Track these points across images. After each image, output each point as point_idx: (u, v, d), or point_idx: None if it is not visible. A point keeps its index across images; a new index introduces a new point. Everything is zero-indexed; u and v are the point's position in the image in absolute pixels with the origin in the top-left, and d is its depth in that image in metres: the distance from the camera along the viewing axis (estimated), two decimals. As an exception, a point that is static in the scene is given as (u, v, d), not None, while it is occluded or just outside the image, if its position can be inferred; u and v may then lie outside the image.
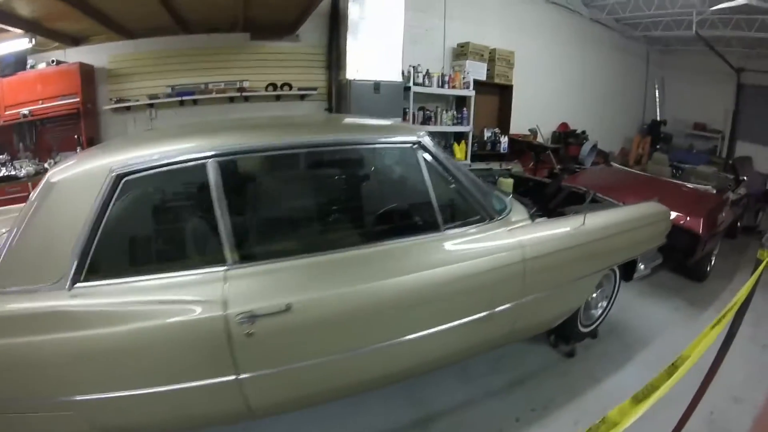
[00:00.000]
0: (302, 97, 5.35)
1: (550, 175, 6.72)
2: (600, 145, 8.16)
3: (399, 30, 5.10)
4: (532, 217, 2.37)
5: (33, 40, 4.16)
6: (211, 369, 1.59)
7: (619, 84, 8.94)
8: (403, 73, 5.34)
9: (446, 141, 6.01)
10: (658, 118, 9.35)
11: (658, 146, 8.38)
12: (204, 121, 3.63)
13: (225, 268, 1.62)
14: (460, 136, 6.02)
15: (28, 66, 4.63)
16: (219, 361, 1.57)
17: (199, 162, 1.64)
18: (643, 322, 3.71)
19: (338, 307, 1.72)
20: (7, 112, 4.50)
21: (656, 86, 9.45)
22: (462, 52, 6.03)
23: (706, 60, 8.25)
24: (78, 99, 4.61)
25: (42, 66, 4.64)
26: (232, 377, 1.60)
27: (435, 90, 5.58)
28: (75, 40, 4.77)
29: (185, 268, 1.64)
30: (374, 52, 5.02)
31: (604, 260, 2.68)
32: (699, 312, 3.97)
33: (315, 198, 2.45)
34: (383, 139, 2.09)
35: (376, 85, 5.03)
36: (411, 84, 5.34)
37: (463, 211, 2.12)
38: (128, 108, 4.96)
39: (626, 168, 5.68)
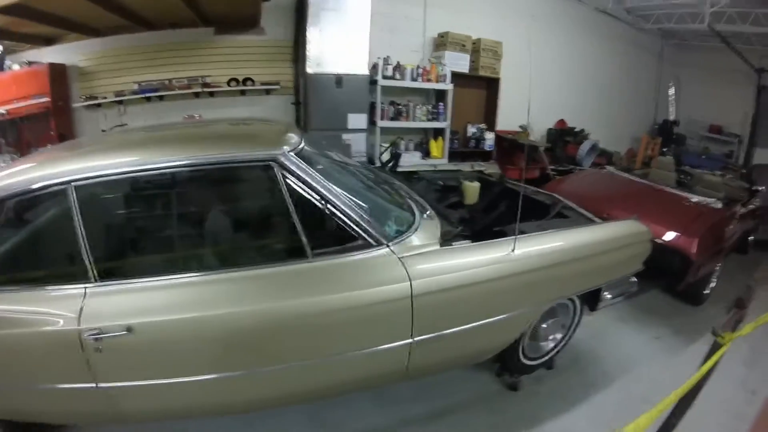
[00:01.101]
0: (267, 92, 5.26)
1: (541, 177, 6.28)
2: (605, 145, 7.61)
3: (365, 20, 4.89)
4: (445, 241, 2.08)
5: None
6: (74, 375, 1.70)
7: (629, 80, 8.28)
8: (376, 65, 5.14)
9: (423, 138, 5.73)
10: (672, 118, 8.57)
11: (665, 149, 7.68)
12: (114, 135, 3.41)
13: (85, 285, 1.69)
14: (440, 133, 5.71)
15: (6, 67, 4.87)
16: (79, 369, 1.67)
17: (61, 187, 1.71)
18: (614, 352, 3.27)
19: (183, 332, 1.70)
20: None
21: (671, 84, 8.67)
22: (442, 42, 5.70)
23: (725, 58, 7.51)
24: (48, 99, 4.77)
25: (16, 67, 4.85)
26: (92, 385, 1.70)
27: (407, 83, 5.31)
28: (48, 41, 4.93)
29: (54, 282, 1.73)
30: (337, 44, 4.83)
31: (542, 294, 2.33)
32: (683, 344, 3.48)
33: (170, 221, 2.40)
34: (231, 159, 1.84)
35: (338, 79, 4.84)
36: (379, 77, 5.09)
37: (340, 236, 1.87)
38: (99, 105, 5.06)
39: (622, 173, 5.17)
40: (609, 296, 2.73)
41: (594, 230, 2.63)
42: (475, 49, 5.88)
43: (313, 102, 4.89)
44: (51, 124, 4.83)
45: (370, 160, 5.06)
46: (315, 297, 1.77)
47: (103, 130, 5.06)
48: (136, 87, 5.04)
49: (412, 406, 2.54)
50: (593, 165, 6.88)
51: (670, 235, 3.57)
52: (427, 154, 5.63)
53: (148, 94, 5.02)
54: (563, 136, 7.22)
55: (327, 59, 4.85)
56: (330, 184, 1.86)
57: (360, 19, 4.88)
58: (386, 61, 5.18)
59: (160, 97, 5.09)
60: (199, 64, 5.10)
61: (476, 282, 1.99)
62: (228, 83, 5.10)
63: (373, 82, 5.13)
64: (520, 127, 6.55)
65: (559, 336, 2.88)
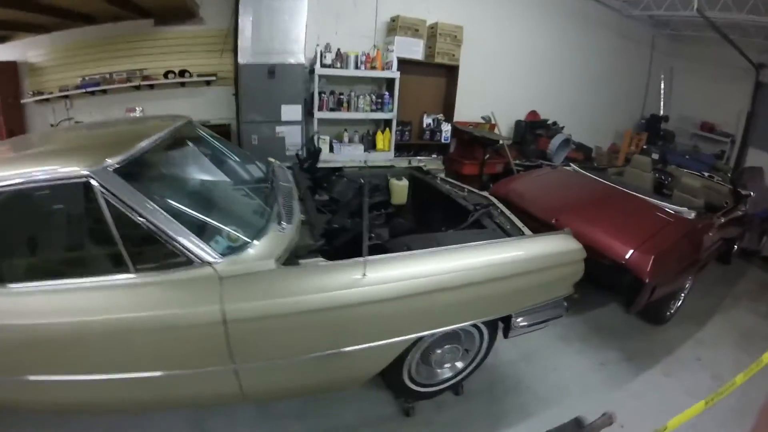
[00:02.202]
0: (208, 83, 5.19)
1: (505, 173, 5.93)
2: (587, 139, 7.13)
3: (301, 6, 4.70)
4: (288, 260, 1.92)
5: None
6: None
7: (617, 71, 7.64)
8: (320, 53, 4.96)
9: (374, 129, 5.50)
10: (661, 113, 7.87)
11: (646, 146, 7.05)
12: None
13: None
14: (389, 124, 5.47)
15: None
16: None
17: None
18: (544, 379, 2.93)
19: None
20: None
21: (662, 77, 7.99)
22: (393, 27, 5.41)
23: (721, 52, 6.77)
24: (-7, 96, 4.90)
25: None
26: None
27: (350, 72, 5.09)
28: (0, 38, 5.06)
29: None
30: (271, 33, 4.69)
31: (408, 325, 2.05)
32: (631, 374, 3.09)
33: None
34: (50, 177, 1.75)
35: (271, 69, 4.70)
36: (317, 66, 4.91)
37: (163, 252, 1.76)
38: (48, 100, 5.16)
39: (587, 172, 4.73)
40: (524, 324, 2.42)
41: (506, 247, 2.31)
42: (432, 34, 5.56)
43: (245, 93, 4.78)
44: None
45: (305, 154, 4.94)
46: (131, 312, 1.70)
47: (52, 125, 5.17)
48: (79, 82, 5.10)
49: (293, 422, 2.44)
50: (569, 160, 6.43)
51: (621, 251, 3.10)
52: (372, 146, 5.40)
53: (89, 89, 5.06)
54: (534, 129, 6.74)
55: (260, 49, 4.70)
56: (146, 200, 1.74)
57: (296, 5, 4.70)
58: (327, 48, 4.98)
59: (104, 91, 5.12)
60: (139, 57, 5.07)
61: (309, 310, 1.80)
62: (165, 76, 5.06)
63: (312, 72, 4.95)
64: (483, 118, 6.18)
65: (461, 364, 2.60)
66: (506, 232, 2.73)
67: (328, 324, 1.87)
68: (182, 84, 5.18)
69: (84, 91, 5.06)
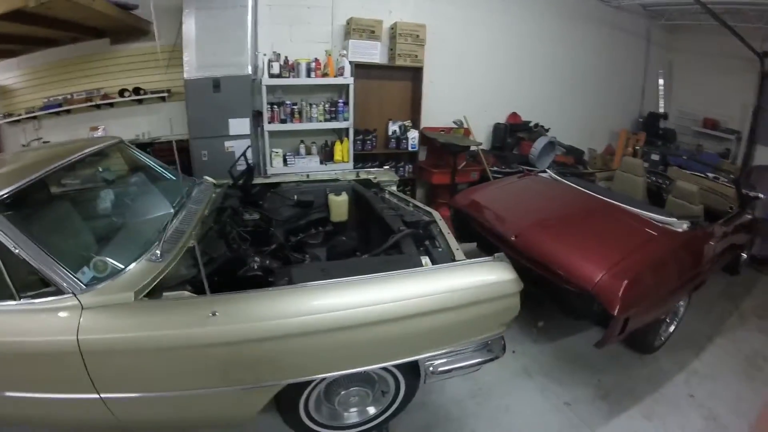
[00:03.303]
0: (163, 99, 5.20)
1: (481, 180, 5.62)
2: (580, 142, 6.67)
3: (244, 16, 4.63)
4: (156, 291, 1.90)
5: None
6: None
7: (609, 66, 7.03)
8: (267, 63, 4.85)
9: (329, 140, 5.34)
10: (660, 110, 7.22)
11: (643, 148, 6.46)
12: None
13: None
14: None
15: None
16: None
17: None
18: (492, 422, 2.64)
19: None
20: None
21: (660, 71, 7.31)
22: (348, 30, 5.20)
23: (722, 41, 6.11)
24: (-34, 120, 5.14)
25: None
26: None
27: (299, 80, 4.93)
28: (-29, 64, 5.29)
29: None
30: (215, 45, 4.63)
31: (272, 370, 1.91)
32: (603, 416, 2.71)
33: None
34: None
35: (216, 82, 4.64)
36: (264, 76, 4.80)
37: (39, 281, 1.83)
38: (18, 121, 5.36)
39: (564, 179, 4.33)
40: (442, 369, 2.15)
41: (415, 279, 2.03)
42: (393, 34, 5.34)
43: (191, 108, 4.73)
44: None
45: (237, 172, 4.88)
46: (13, 337, 1.78)
47: (23, 145, 5.36)
48: (43, 103, 5.25)
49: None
50: (556, 165, 6.03)
51: (587, 275, 2.68)
52: (330, 158, 5.25)
53: (52, 110, 5.19)
54: (515, 132, 6.33)
55: (205, 62, 4.64)
56: (19, 232, 1.79)
57: (238, 15, 4.63)
58: (276, 57, 4.86)
59: (68, 111, 5.25)
60: (96, 77, 5.16)
61: (157, 347, 1.76)
62: (120, 94, 5.13)
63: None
64: (455, 122, 5.88)
65: (373, 409, 2.41)
66: (432, 258, 2.43)
67: (179, 363, 1.81)
68: (139, 101, 5.23)
69: (49, 111, 5.22)
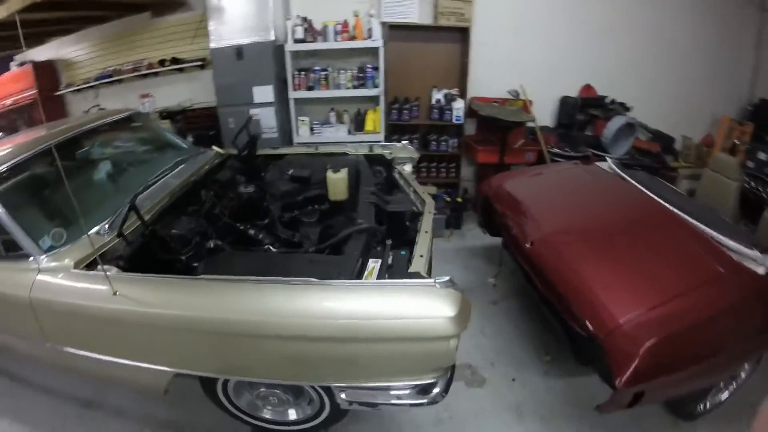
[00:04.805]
0: (202, 67, 5.21)
1: (538, 162, 4.87)
2: (671, 127, 5.38)
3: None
4: (89, 264, 2.08)
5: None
6: None
7: (713, 39, 5.31)
8: (291, 28, 4.55)
9: (361, 108, 4.91)
10: None
11: (738, 141, 4.93)
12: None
13: None
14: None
15: (12, 66, 5.94)
16: None
17: None
18: None
19: None
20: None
21: None
22: (384, -13, 4.63)
23: None
24: (35, 91, 5.66)
25: (14, 67, 5.89)
26: None
27: (323, 45, 4.56)
28: (39, 40, 5.73)
29: None
30: (238, 12, 4.46)
31: (159, 355, 1.98)
32: None
33: None
34: None
35: (239, 50, 4.47)
36: (289, 41, 4.53)
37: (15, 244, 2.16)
38: (79, 90, 5.76)
39: (627, 175, 3.35)
40: (359, 400, 1.93)
41: (320, 295, 1.74)
42: (436, -9, 4.73)
43: (217, 77, 4.65)
44: (39, 110, 5.69)
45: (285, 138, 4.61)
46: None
47: (84, 111, 5.75)
48: (98, 74, 5.56)
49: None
50: (633, 154, 4.99)
51: (601, 318, 2.02)
52: (361, 128, 4.85)
53: (104, 80, 5.50)
54: (587, 108, 5.21)
55: (228, 30, 4.51)
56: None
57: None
58: (304, 21, 4.55)
59: (120, 80, 5.50)
60: (141, 48, 5.37)
61: (72, 312, 1.99)
62: (162, 63, 5.22)
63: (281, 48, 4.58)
64: (510, 93, 5.10)
65: (294, 414, 2.30)
66: (385, 263, 2.17)
67: (87, 329, 2.04)
68: (180, 70, 5.29)
69: (102, 82, 5.52)
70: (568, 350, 2.57)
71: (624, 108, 5.27)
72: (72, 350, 2.12)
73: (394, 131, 5.01)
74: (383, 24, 4.55)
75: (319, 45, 4.57)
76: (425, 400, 1.81)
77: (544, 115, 5.30)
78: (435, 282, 1.72)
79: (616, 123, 4.90)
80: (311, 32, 4.55)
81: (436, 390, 1.81)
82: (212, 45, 4.56)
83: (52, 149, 2.24)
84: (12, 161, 2.38)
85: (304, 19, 4.56)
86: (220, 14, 4.51)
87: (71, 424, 2.57)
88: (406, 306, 1.66)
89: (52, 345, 2.16)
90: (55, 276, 2.02)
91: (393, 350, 1.68)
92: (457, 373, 2.64)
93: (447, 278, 1.76)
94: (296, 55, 4.64)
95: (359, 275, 2.05)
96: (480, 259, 4.14)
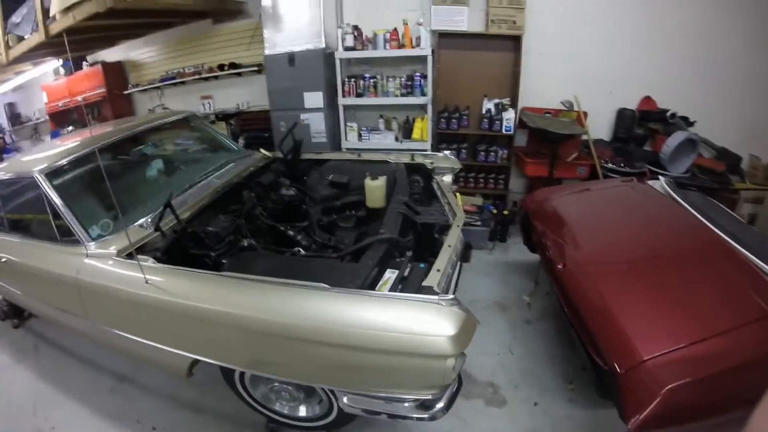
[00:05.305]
0: (259, 72, 5.41)
1: (591, 177, 4.67)
2: (737, 145, 4.88)
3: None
4: (129, 254, 2.24)
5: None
6: None
7: None
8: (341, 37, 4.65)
9: (410, 116, 4.92)
10: None
11: None
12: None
13: None
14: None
15: (84, 66, 6.38)
16: None
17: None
18: None
19: None
20: (72, 99, 6.52)
21: None
22: (435, -5, 4.59)
23: None
24: (104, 89, 6.10)
25: (86, 67, 6.32)
26: None
27: (372, 53, 4.62)
28: (111, 43, 6.14)
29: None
30: (290, 20, 4.63)
31: (183, 343, 2.12)
32: None
33: None
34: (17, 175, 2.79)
35: (291, 57, 4.63)
36: (339, 49, 4.61)
37: (70, 231, 2.46)
38: (145, 90, 6.15)
39: (679, 196, 3.09)
40: (353, 406, 1.96)
41: (329, 301, 1.78)
42: (490, -1, 4.66)
43: (270, 82, 4.84)
44: (108, 107, 6.22)
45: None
46: (53, 267, 2.49)
47: (149, 109, 6.15)
48: (162, 76, 5.90)
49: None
50: (694, 171, 4.66)
51: (621, 353, 1.89)
52: (409, 135, 4.87)
53: (168, 82, 5.82)
54: (646, 122, 4.92)
55: (281, 37, 4.72)
56: (57, 195, 2.51)
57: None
58: (354, 29, 4.63)
59: (182, 82, 5.82)
60: (202, 53, 5.67)
61: (112, 296, 2.21)
62: (220, 68, 5.47)
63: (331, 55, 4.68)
64: (563, 104, 4.92)
65: (304, 411, 2.37)
66: (401, 276, 2.16)
67: (123, 311, 2.25)
68: (238, 74, 5.52)
69: (166, 83, 5.85)
70: (592, 380, 2.48)
71: (686, 122, 4.92)
72: (107, 328, 2.37)
73: (442, 140, 4.99)
74: (432, 32, 4.55)
75: (367, 53, 4.65)
76: (426, 416, 1.80)
77: (599, 127, 5.06)
78: (439, 299, 1.71)
79: (676, 138, 4.58)
80: (361, 40, 4.62)
81: (438, 406, 1.80)
82: (266, 52, 4.76)
83: (96, 151, 2.50)
84: (72, 156, 2.73)
85: (355, 27, 4.64)
86: (274, 22, 4.71)
87: (104, 393, 2.86)
88: (406, 320, 1.66)
89: (91, 322, 2.43)
90: (99, 261, 2.28)
91: (390, 362, 1.69)
92: (478, 390, 2.66)
93: (452, 296, 1.75)
94: (347, 62, 4.74)
95: (373, 285, 2.04)
96: (520, 274, 4.04)
